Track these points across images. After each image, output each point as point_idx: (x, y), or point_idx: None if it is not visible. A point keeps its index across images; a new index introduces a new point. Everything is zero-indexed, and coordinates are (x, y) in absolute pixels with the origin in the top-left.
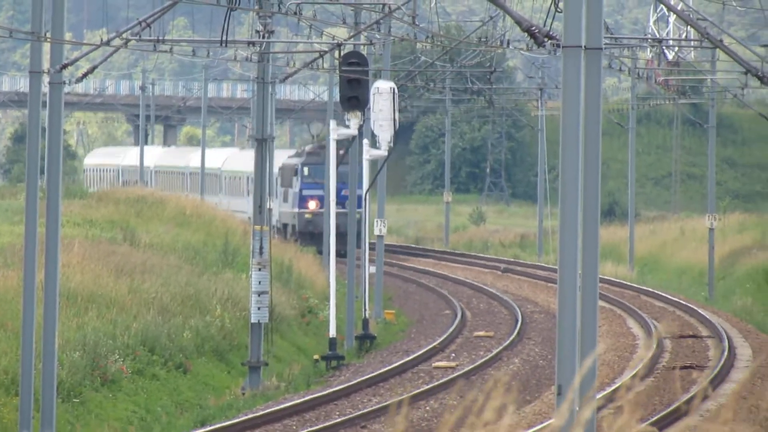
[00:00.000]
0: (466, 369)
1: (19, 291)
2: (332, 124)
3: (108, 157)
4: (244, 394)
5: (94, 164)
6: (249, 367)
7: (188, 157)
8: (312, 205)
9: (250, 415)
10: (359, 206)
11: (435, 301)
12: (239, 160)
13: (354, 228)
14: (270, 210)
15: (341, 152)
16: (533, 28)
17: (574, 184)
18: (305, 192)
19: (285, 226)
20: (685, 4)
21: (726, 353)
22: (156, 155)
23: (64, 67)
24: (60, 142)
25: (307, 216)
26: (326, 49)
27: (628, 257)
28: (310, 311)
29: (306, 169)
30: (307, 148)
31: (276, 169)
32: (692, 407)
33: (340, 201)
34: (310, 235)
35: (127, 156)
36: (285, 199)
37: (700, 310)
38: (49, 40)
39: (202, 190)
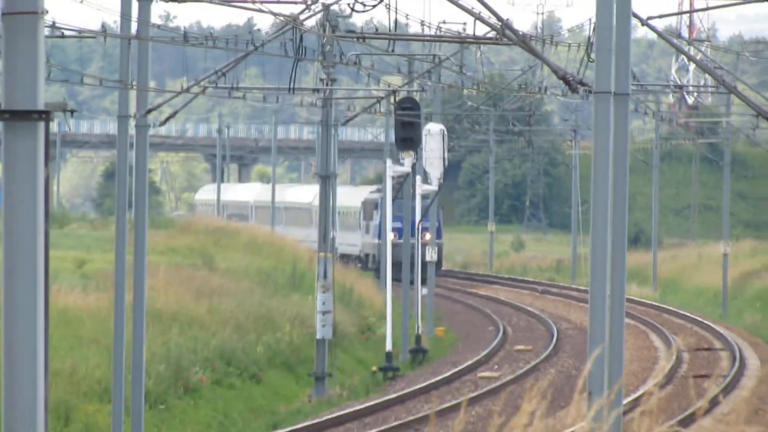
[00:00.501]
0: (508, 378)
1: (110, 311)
2: (388, 162)
3: (214, 194)
4: (310, 401)
5: (203, 200)
6: (315, 378)
7: (283, 193)
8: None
9: (316, 420)
10: (413, 235)
11: (480, 319)
12: (353, 193)
13: (408, 253)
14: (333, 238)
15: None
16: (568, 76)
17: (604, 215)
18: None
19: (367, 256)
20: (703, 54)
21: (737, 363)
22: (255, 191)
23: (149, 112)
24: (145, 179)
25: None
26: (383, 95)
27: (652, 279)
28: (369, 329)
29: (379, 204)
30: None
31: (359, 204)
32: (707, 411)
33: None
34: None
35: (231, 192)
36: (367, 231)
37: (714, 326)
38: (135, 87)
39: (273, 221)
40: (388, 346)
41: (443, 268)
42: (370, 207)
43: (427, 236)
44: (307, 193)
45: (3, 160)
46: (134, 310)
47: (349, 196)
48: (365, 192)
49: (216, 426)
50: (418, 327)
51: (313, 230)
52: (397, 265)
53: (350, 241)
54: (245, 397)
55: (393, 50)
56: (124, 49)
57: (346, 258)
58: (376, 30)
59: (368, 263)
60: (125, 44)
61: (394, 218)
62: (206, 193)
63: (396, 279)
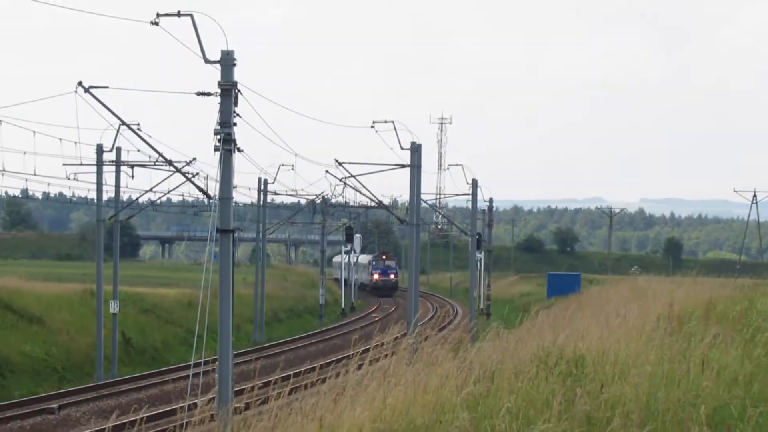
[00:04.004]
0: (381, 317)
1: None
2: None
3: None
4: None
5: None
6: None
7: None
8: (376, 276)
9: (324, 329)
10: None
11: (390, 302)
12: (363, 258)
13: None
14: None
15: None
16: (401, 218)
17: (416, 269)
18: (373, 271)
19: (363, 285)
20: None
21: (457, 311)
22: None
23: None
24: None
25: (375, 281)
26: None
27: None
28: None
29: (374, 262)
30: (374, 255)
31: (366, 262)
32: (444, 327)
33: (383, 273)
34: (377, 290)
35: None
36: (369, 274)
37: (449, 300)
38: None
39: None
40: (343, 305)
41: (400, 288)
42: (369, 264)
43: (375, 276)
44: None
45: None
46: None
47: (363, 259)
48: (368, 258)
49: None
50: (353, 303)
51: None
52: (383, 289)
53: (363, 278)
54: None
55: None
56: None
57: (362, 286)
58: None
59: (368, 288)
60: None
61: (377, 269)
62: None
63: (383, 295)
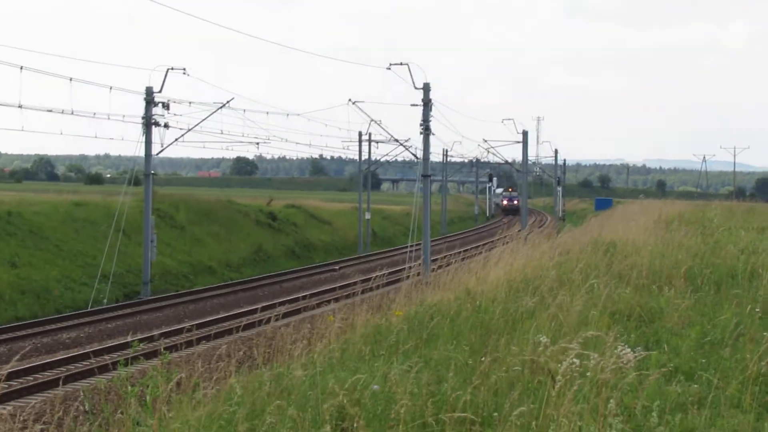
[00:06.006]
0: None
1: None
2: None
3: None
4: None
5: None
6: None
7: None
8: (505, 202)
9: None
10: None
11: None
12: (498, 191)
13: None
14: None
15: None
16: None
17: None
18: (503, 198)
19: (497, 206)
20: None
21: (547, 218)
22: None
23: None
24: None
25: (504, 205)
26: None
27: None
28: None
29: (504, 193)
30: (504, 189)
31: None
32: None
33: (509, 200)
34: (505, 210)
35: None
36: (499, 200)
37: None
38: None
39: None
40: (487, 214)
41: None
42: (501, 194)
43: (505, 202)
44: (498, 191)
45: None
46: None
47: (498, 191)
48: (500, 190)
49: None
50: (492, 214)
51: (497, 200)
52: (509, 210)
53: (497, 202)
54: None
55: None
56: None
57: (497, 207)
58: None
59: (500, 208)
60: None
61: (506, 196)
62: None
63: (509, 213)
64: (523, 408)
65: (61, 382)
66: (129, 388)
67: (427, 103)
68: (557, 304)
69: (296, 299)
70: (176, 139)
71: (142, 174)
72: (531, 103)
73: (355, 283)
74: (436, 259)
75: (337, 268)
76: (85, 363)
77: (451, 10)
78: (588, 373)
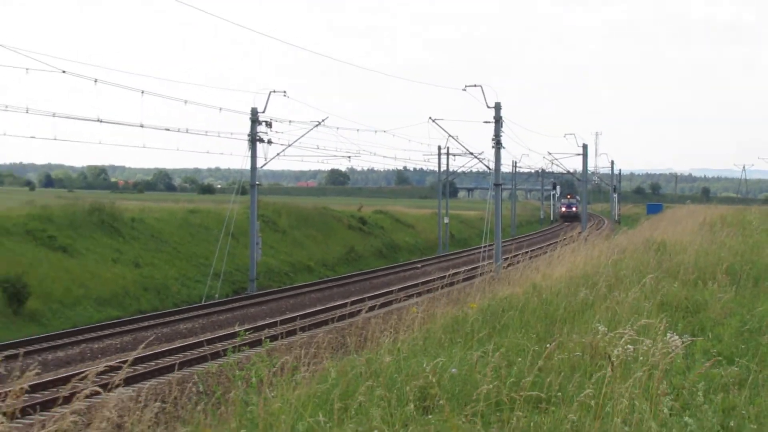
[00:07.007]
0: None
1: None
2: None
3: None
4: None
5: None
6: None
7: None
8: (563, 209)
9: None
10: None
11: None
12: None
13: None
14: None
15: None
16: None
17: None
18: (562, 205)
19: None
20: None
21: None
22: None
23: None
24: None
25: (563, 212)
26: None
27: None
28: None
29: (563, 200)
30: (564, 195)
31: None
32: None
33: (568, 207)
34: (563, 216)
35: None
36: (558, 207)
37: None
38: None
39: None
40: (552, 218)
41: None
42: (559, 202)
43: (563, 209)
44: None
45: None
46: None
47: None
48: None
49: None
50: (555, 218)
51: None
52: (568, 216)
53: (558, 208)
54: None
55: None
56: None
57: (558, 212)
58: None
59: (560, 215)
60: None
61: (565, 203)
62: None
63: (568, 220)
64: (587, 390)
65: (176, 367)
66: (237, 372)
67: (498, 120)
68: (613, 296)
69: (384, 294)
70: (278, 154)
71: (249, 184)
72: (590, 117)
73: (435, 280)
74: (506, 258)
75: (419, 266)
76: (199, 350)
77: (517, 33)
78: (641, 358)
